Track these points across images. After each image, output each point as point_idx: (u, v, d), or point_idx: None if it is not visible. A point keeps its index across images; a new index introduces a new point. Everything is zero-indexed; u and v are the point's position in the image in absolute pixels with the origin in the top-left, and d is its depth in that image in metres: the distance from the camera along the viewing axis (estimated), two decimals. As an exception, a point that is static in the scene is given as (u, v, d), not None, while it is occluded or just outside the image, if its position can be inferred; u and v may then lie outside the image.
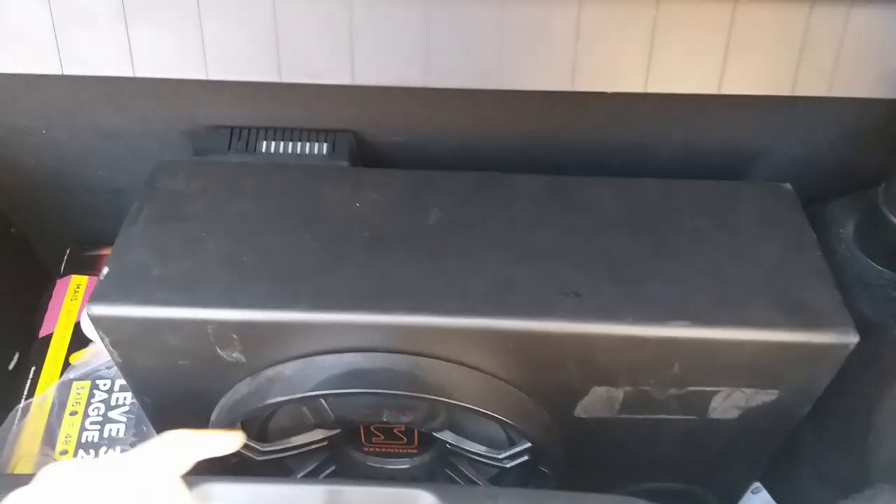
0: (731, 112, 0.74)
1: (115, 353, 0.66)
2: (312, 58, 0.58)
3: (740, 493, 0.84)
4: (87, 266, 1.01)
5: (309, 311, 0.62)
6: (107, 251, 0.94)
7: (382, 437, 0.77)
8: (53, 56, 0.58)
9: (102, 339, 0.64)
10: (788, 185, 0.73)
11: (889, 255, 0.79)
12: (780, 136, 0.77)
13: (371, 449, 0.79)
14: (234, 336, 0.63)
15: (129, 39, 0.58)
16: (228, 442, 0.58)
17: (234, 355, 0.64)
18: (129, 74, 0.59)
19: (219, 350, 0.64)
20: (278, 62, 0.58)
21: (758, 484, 0.92)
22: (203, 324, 0.62)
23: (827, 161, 0.82)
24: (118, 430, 0.86)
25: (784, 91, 0.59)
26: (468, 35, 0.58)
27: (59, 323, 0.96)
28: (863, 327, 0.78)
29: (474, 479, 0.76)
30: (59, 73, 0.59)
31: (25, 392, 0.90)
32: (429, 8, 0.56)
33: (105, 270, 0.64)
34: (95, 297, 0.62)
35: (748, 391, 0.66)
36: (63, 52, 0.58)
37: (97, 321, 0.62)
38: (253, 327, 0.62)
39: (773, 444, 0.73)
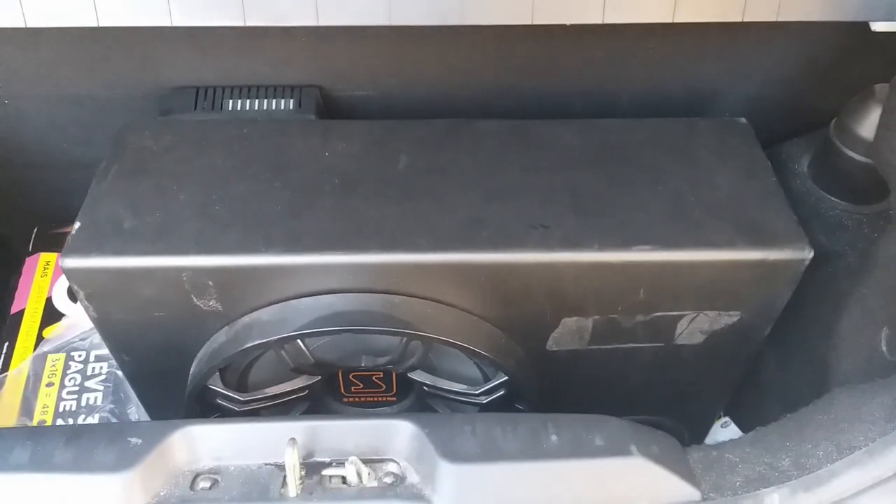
0: (688, 53, 0.76)
1: (91, 308, 0.66)
2: (277, 0, 0.59)
3: (709, 425, 0.87)
4: (55, 244, 1.00)
5: (282, 254, 0.63)
6: (75, 228, 0.94)
7: (361, 386, 0.78)
8: (16, 7, 0.58)
9: (77, 293, 0.65)
10: (743, 120, 0.76)
11: (842, 186, 0.82)
12: (736, 75, 0.80)
13: (350, 399, 0.80)
14: (210, 283, 0.64)
15: (91, -12, 0.58)
16: None
17: (210, 304, 0.65)
18: (93, 24, 0.59)
19: (195, 299, 0.65)
20: (242, 5, 0.59)
21: (727, 419, 0.95)
22: (178, 271, 0.63)
23: (783, 100, 0.85)
24: (96, 398, 0.86)
25: (734, 17, 0.61)
26: (428, -27, 0.59)
27: (31, 299, 0.95)
28: (820, 255, 0.81)
29: (453, 421, 0.78)
30: (23, 25, 0.59)
31: (-1, 367, 0.89)
32: (389, -53, 0.58)
33: (77, 225, 0.65)
34: (68, 250, 0.63)
35: (711, 314, 0.68)
36: (26, 3, 0.58)
37: (71, 274, 0.63)
38: (228, 273, 0.63)
39: (737, 369, 0.76)
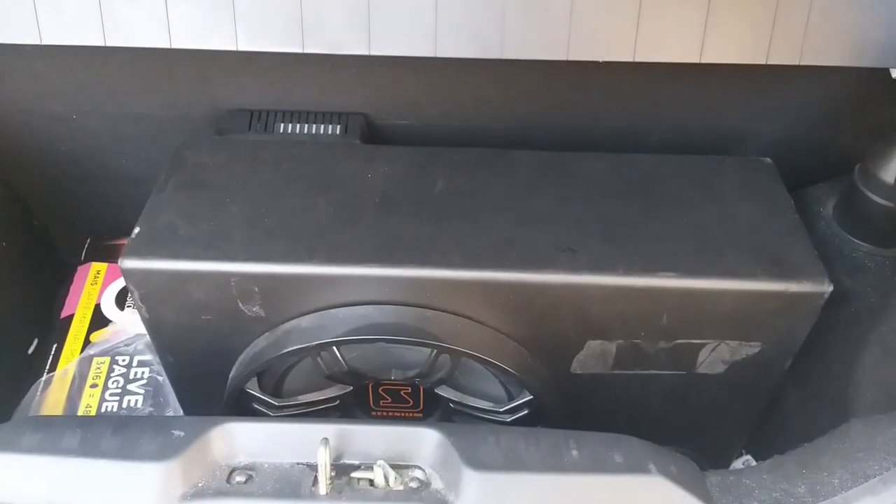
0: (715, 94, 0.80)
1: (144, 309, 0.70)
2: (332, 30, 0.64)
3: (729, 459, 0.88)
4: (106, 254, 1.06)
5: (323, 264, 0.67)
6: (125, 241, 0.99)
7: (390, 400, 0.81)
8: (97, 28, 0.64)
9: (132, 293, 0.69)
10: (768, 159, 0.79)
11: (865, 229, 0.84)
12: (762, 118, 0.84)
13: (379, 413, 0.83)
14: (256, 289, 0.68)
15: (167, 11, 0.64)
16: None
17: (254, 309, 0.69)
18: (166, 45, 0.65)
19: (240, 304, 0.69)
20: (301, 34, 0.64)
21: (748, 456, 0.96)
22: (226, 276, 0.67)
23: (809, 143, 0.88)
24: (136, 401, 0.90)
25: (759, 60, 0.65)
26: (473, 9, 0.64)
27: (80, 305, 1.01)
28: (843, 296, 0.83)
29: (477, 439, 0.80)
30: (102, 44, 0.65)
31: (47, 367, 0.94)
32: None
33: (136, 230, 0.69)
34: (127, 252, 0.67)
35: (732, 343, 0.71)
36: (106, 24, 0.64)
37: (129, 274, 0.67)
38: (272, 280, 0.67)
39: (758, 402, 0.78)
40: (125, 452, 0.59)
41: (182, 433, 0.60)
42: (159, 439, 0.60)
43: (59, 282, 1.05)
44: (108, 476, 0.58)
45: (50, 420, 0.65)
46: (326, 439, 0.58)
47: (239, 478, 0.60)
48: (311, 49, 0.65)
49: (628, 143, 0.85)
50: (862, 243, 0.85)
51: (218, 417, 0.62)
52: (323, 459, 0.57)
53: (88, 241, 1.08)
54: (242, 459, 0.61)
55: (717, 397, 0.76)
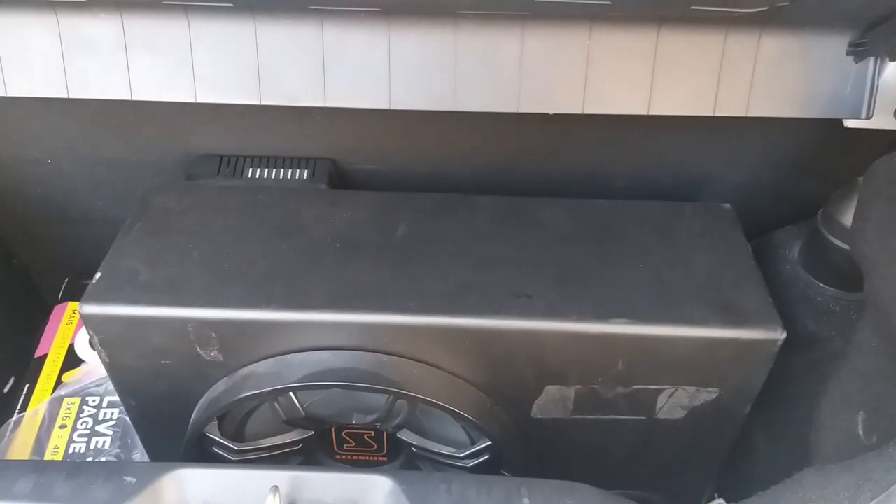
0: (676, 141, 0.81)
1: (104, 353, 0.71)
2: (289, 83, 0.66)
3: (699, 503, 0.88)
4: (83, 294, 1.07)
5: (281, 310, 0.68)
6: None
7: (354, 444, 0.81)
8: (61, 80, 0.66)
9: (92, 337, 0.70)
10: (727, 205, 0.80)
11: (829, 273, 0.85)
12: (724, 164, 0.85)
13: (343, 456, 0.83)
14: (213, 334, 0.68)
15: (128, 66, 0.66)
16: None
17: (212, 354, 0.70)
18: (127, 97, 0.67)
19: (199, 349, 0.69)
20: (259, 87, 0.66)
21: (721, 500, 0.95)
22: (184, 322, 0.68)
23: (772, 189, 0.89)
24: (104, 442, 0.90)
25: (706, 111, 0.66)
26: (426, 63, 0.66)
27: (54, 345, 1.01)
28: (807, 340, 0.83)
29: (440, 484, 0.80)
30: (66, 96, 0.67)
31: (18, 407, 0.94)
32: (391, 40, 0.65)
33: (98, 275, 0.70)
34: (87, 297, 0.68)
35: (690, 389, 0.71)
36: (70, 77, 0.66)
37: (88, 319, 0.68)
38: (229, 325, 0.68)
39: (720, 446, 0.77)
40: (77, 499, 0.59)
41: (134, 479, 0.61)
42: (111, 485, 0.60)
43: (38, 321, 1.06)
44: (58, 523, 0.59)
45: (4, 465, 0.65)
46: (276, 487, 0.58)
47: (190, 525, 0.60)
48: (267, 101, 0.67)
49: (593, 187, 0.86)
50: (827, 287, 0.85)
51: (170, 464, 0.62)
52: (272, 509, 0.57)
53: (66, 280, 1.09)
54: (195, 506, 0.61)
55: (679, 442, 0.76)
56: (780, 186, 0.87)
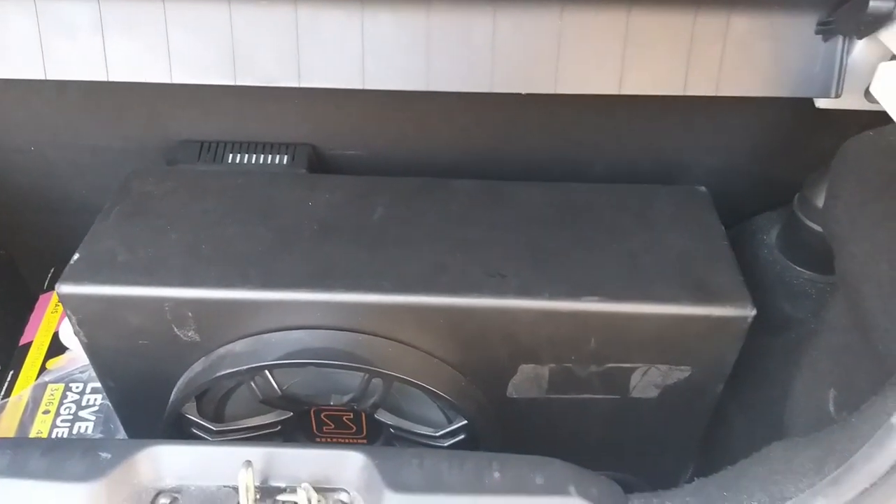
0: (654, 124, 0.82)
1: (82, 333, 0.72)
2: (263, 63, 0.67)
3: (674, 484, 0.88)
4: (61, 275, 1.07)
5: (257, 289, 0.68)
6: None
7: (333, 426, 0.82)
8: (38, 62, 0.67)
9: (70, 318, 0.70)
10: (703, 188, 0.81)
11: (806, 256, 0.86)
12: (701, 148, 0.85)
13: (322, 438, 0.83)
14: (189, 314, 0.69)
15: (104, 47, 0.66)
16: None
17: (189, 334, 0.70)
18: (104, 79, 0.67)
19: (176, 329, 0.70)
20: (234, 67, 0.67)
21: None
22: (160, 302, 0.68)
23: (749, 172, 0.89)
24: (87, 427, 0.90)
25: (677, 90, 0.67)
26: (399, 44, 0.66)
27: (39, 333, 1.02)
28: (784, 322, 0.84)
29: (419, 465, 0.80)
30: (43, 77, 0.67)
31: (2, 393, 0.95)
32: (364, 20, 0.65)
33: (76, 256, 0.71)
34: (65, 277, 0.69)
35: (663, 367, 0.71)
36: (47, 59, 0.67)
37: (66, 299, 0.69)
38: (205, 305, 0.68)
39: (695, 425, 0.78)
40: (52, 473, 0.60)
41: (109, 455, 0.61)
42: (86, 461, 0.61)
43: (24, 311, 1.06)
44: (33, 497, 0.59)
45: (-19, 442, 0.66)
46: (249, 461, 0.59)
47: (164, 500, 0.60)
48: (242, 82, 0.68)
49: (572, 172, 0.87)
50: (803, 270, 0.86)
51: (146, 441, 0.62)
52: (245, 482, 0.58)
53: (52, 270, 1.09)
54: (169, 482, 0.62)
55: (654, 421, 0.77)
56: (758, 172, 0.88)
